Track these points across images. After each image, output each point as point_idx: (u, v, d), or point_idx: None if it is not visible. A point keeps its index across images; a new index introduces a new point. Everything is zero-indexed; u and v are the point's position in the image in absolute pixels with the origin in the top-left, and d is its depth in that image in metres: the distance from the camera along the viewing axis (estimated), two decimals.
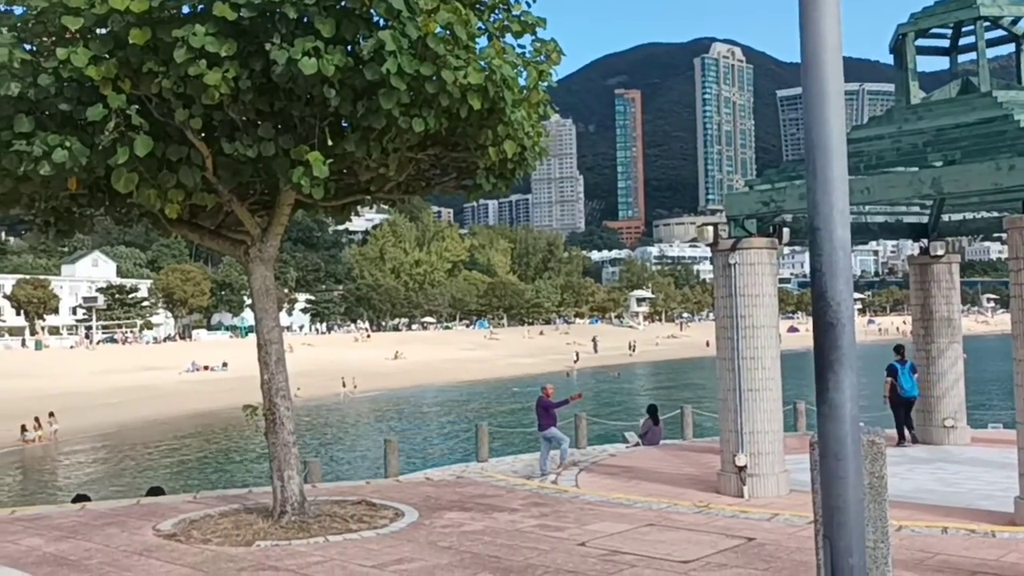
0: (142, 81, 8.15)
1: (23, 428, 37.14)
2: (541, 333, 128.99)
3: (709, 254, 14.82)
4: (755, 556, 7.91)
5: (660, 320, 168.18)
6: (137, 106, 8.20)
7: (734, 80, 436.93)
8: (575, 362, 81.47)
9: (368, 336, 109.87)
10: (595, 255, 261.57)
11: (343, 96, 8.31)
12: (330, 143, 8.73)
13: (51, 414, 39.29)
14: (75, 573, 7.50)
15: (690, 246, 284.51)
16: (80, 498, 13.61)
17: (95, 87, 8.07)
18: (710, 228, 13.52)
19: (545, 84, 9.86)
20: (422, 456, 31.11)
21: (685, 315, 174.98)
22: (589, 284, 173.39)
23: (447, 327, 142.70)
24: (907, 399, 16.55)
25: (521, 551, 8.12)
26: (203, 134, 8.78)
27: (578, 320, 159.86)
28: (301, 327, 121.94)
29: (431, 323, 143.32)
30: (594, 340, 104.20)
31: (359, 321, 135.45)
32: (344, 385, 58.42)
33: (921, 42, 14.40)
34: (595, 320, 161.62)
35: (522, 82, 9.45)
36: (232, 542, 8.65)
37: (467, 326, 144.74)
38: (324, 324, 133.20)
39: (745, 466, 12.43)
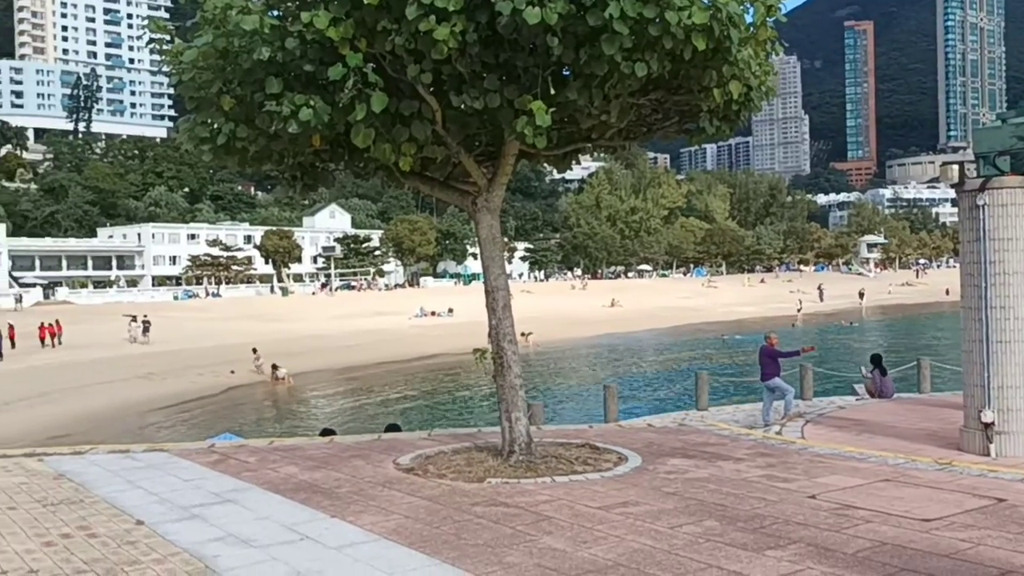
0: (376, 40, 8.53)
1: (273, 367, 40.67)
2: (762, 281, 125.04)
3: (951, 195, 13.73)
4: (1007, 518, 7.38)
5: (893, 267, 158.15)
6: (372, 64, 8.62)
7: (982, 3, 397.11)
8: (799, 311, 78.45)
9: (585, 284, 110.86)
10: (821, 199, 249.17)
11: (565, 44, 8.34)
12: (552, 92, 8.80)
13: (257, 358, 42.12)
14: (327, 500, 8.18)
15: (928, 187, 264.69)
16: (326, 432, 14.78)
17: (335, 48, 8.54)
18: (955, 167, 12.51)
19: (773, 20, 9.43)
20: (641, 403, 31.24)
21: (922, 261, 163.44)
22: (815, 229, 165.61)
23: (663, 275, 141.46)
24: None
25: (748, 500, 8.02)
26: (432, 89, 9.10)
27: (802, 268, 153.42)
28: (520, 275, 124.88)
29: (647, 271, 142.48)
30: (820, 288, 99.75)
31: (575, 269, 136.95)
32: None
33: None
34: (821, 267, 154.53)
35: (748, 19, 9.09)
36: (465, 478, 9.12)
37: (684, 274, 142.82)
38: (542, 272, 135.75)
39: (992, 423, 11.57)
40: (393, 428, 15.08)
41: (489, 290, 10.41)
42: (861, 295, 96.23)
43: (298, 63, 8.77)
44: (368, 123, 8.81)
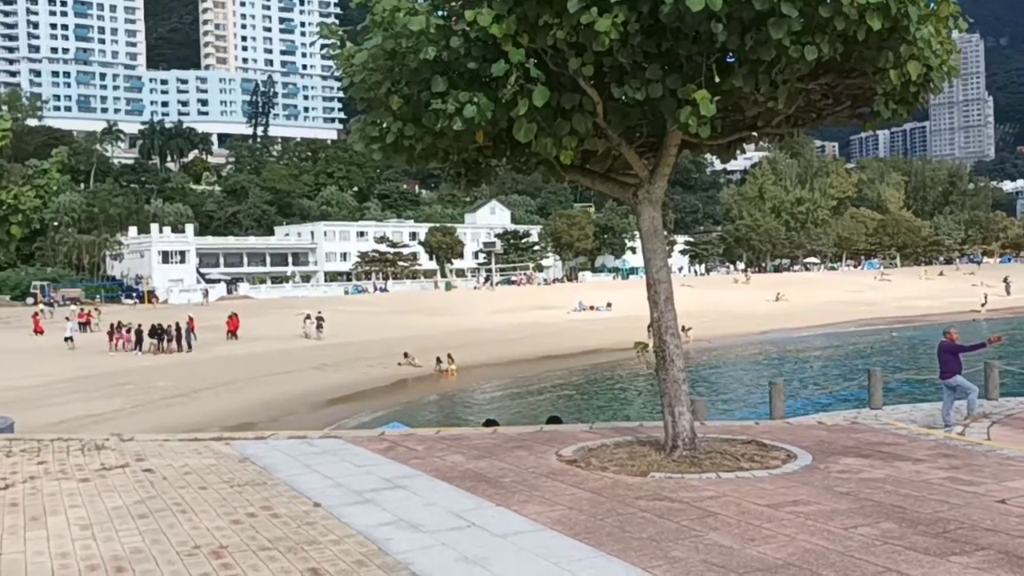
0: (538, 34, 8.60)
1: (437, 360, 41.79)
2: (941, 274, 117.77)
3: None
4: None
5: None
6: (534, 59, 8.71)
7: None
8: (983, 305, 73.43)
9: (747, 278, 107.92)
10: (1007, 185, 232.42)
11: (730, 30, 8.14)
12: (716, 80, 8.62)
13: (404, 354, 43.21)
14: (492, 488, 8.34)
15: None
16: (490, 423, 15.07)
17: (497, 44, 8.68)
18: None
19: None
20: (808, 400, 30.13)
21: None
22: (1000, 218, 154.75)
23: (832, 268, 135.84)
24: None
25: (929, 503, 7.59)
26: (593, 81, 9.09)
27: (987, 259, 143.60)
28: (680, 269, 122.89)
29: (814, 264, 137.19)
30: (1006, 281, 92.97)
31: (737, 262, 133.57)
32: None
33: None
34: (1007, 259, 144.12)
35: None
36: (628, 471, 9.08)
37: (854, 266, 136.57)
38: (702, 265, 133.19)
39: None
40: (555, 420, 15.20)
41: (651, 283, 10.31)
42: None
43: (462, 61, 8.96)
44: (530, 118, 8.90)
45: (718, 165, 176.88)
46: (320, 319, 53.66)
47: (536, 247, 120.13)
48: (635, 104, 9.10)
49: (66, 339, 46.89)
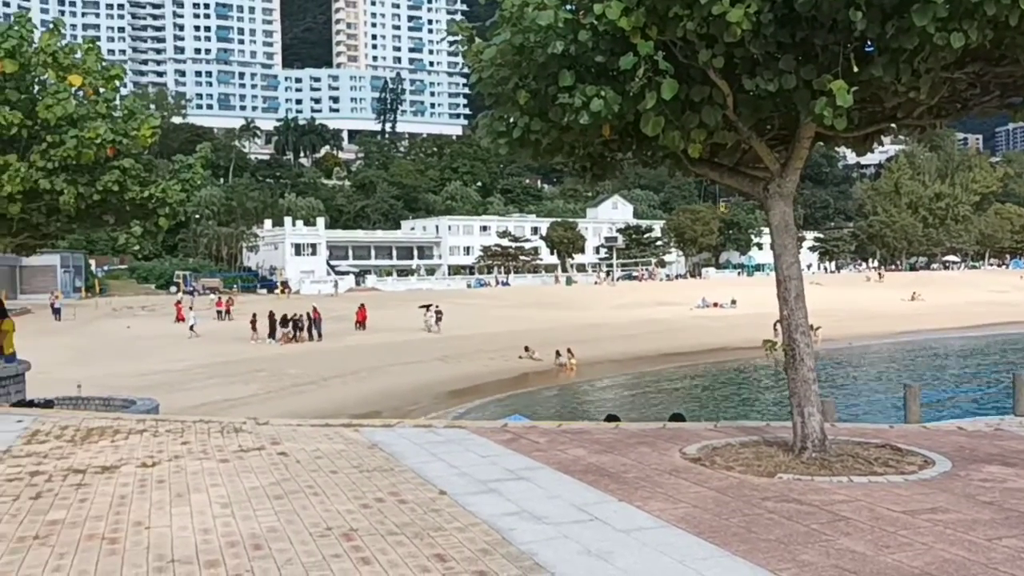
0: (667, 26, 8.49)
1: (557, 354, 41.94)
2: None
3: None
4: None
5: None
6: (663, 52, 8.60)
7: None
8: None
9: (881, 276, 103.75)
10: None
11: (870, 17, 7.83)
12: (854, 70, 8.31)
13: (525, 348, 43.49)
14: (615, 484, 8.31)
15: None
16: (611, 418, 15.01)
17: (626, 37, 8.62)
18: None
19: None
20: (944, 405, 28.78)
21: None
22: None
23: (973, 267, 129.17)
24: None
25: None
26: (723, 73, 8.91)
27: None
28: (808, 266, 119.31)
29: (954, 262, 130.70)
30: None
31: (870, 260, 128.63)
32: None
33: None
34: None
35: None
36: (754, 471, 8.88)
37: (998, 265, 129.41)
38: (832, 263, 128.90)
39: None
40: (677, 417, 15.01)
41: (781, 279, 10.04)
42: None
43: (590, 55, 8.94)
44: (658, 111, 8.80)
45: (851, 159, 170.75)
46: (439, 312, 54.39)
47: (659, 242, 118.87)
48: (767, 96, 8.87)
49: (190, 328, 49.33)
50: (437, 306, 55.73)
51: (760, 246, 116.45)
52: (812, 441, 9.49)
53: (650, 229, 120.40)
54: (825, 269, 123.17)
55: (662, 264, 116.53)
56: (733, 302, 70.44)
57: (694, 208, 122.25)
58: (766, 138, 10.12)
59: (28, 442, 10.71)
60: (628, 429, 12.05)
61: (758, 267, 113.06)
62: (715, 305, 71.25)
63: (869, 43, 8.47)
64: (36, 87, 13.33)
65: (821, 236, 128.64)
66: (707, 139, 9.36)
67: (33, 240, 14.86)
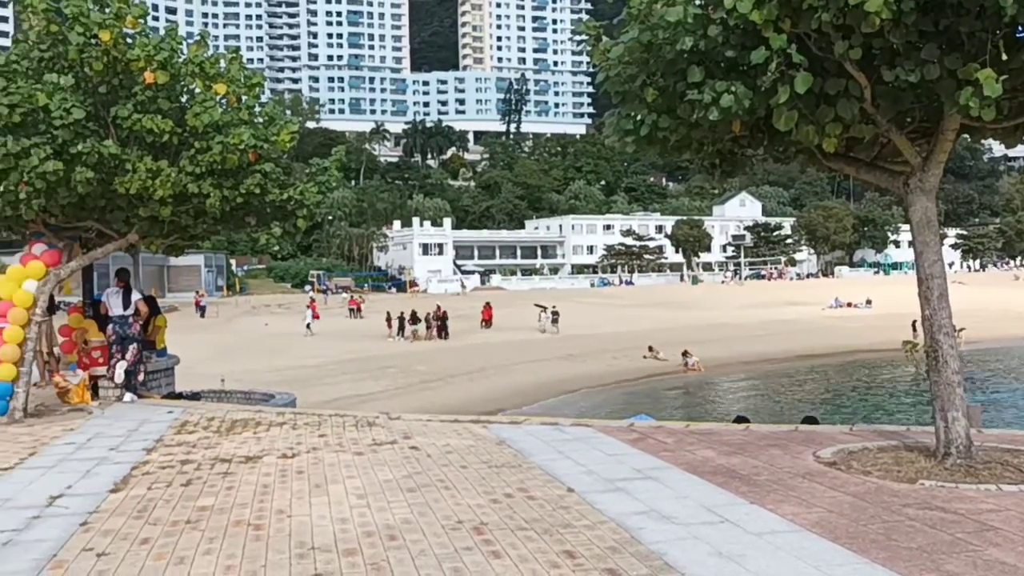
0: (801, 19, 8.27)
1: (683, 353, 41.34)
2: None
3: None
4: None
5: None
6: (795, 44, 8.38)
7: None
8: None
9: None
10: None
11: (1021, 3, 7.42)
12: (1003, 57, 7.89)
13: (649, 347, 42.82)
14: (745, 486, 8.16)
15: None
16: (740, 419, 14.73)
17: (757, 31, 8.44)
18: None
19: None
20: None
21: None
22: None
23: None
24: None
25: None
26: (860, 64, 8.61)
27: None
28: (951, 264, 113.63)
29: None
30: None
31: (1019, 258, 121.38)
32: None
33: None
34: None
35: None
36: (893, 477, 8.55)
37: None
38: (976, 261, 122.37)
39: None
40: (810, 420, 14.61)
41: (923, 278, 9.62)
42: None
43: (719, 50, 8.79)
44: (791, 105, 8.58)
45: (997, 151, 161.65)
46: (555, 313, 53.39)
47: (788, 240, 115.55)
48: (907, 87, 8.52)
49: (307, 327, 50.91)
50: (554, 306, 55.02)
51: (897, 244, 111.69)
52: (957, 447, 9.06)
53: (780, 227, 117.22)
54: (968, 268, 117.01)
55: (792, 263, 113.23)
56: (868, 302, 67.80)
57: (826, 205, 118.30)
58: (906, 131, 9.71)
59: (178, 432, 11.37)
60: (758, 431, 11.79)
61: (895, 265, 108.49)
62: (849, 305, 68.74)
63: (1020, 29, 8.04)
64: (185, 96, 14.06)
65: (964, 233, 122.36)
66: (843, 133, 9.06)
67: (182, 241, 15.69)
